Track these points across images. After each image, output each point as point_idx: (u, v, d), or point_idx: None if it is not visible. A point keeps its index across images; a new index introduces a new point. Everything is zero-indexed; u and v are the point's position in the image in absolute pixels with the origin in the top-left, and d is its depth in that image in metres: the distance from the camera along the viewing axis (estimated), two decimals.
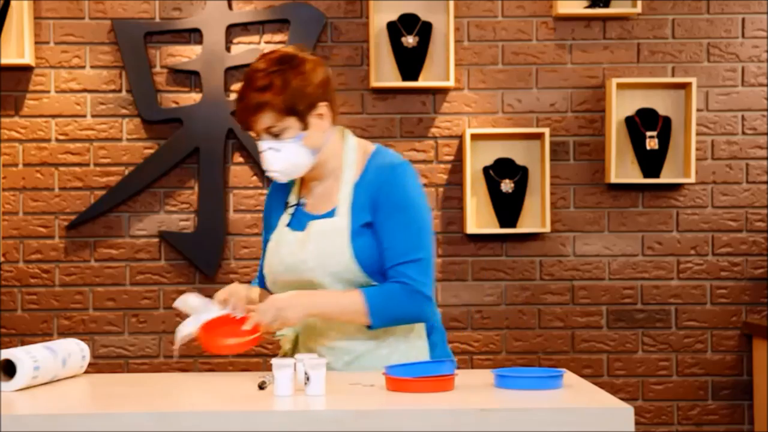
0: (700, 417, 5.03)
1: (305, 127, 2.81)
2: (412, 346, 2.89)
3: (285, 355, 2.95)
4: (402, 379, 2.43)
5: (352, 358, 2.85)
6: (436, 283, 2.98)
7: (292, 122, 2.80)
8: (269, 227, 3.00)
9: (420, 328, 2.92)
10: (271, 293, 2.93)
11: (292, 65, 2.81)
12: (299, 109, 2.79)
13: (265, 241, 3.00)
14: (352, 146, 2.91)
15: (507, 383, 2.49)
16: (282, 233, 2.91)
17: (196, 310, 2.86)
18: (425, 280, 2.81)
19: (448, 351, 3.01)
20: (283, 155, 2.81)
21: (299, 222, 2.90)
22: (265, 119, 2.78)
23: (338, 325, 2.84)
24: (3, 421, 2.18)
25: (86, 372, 2.83)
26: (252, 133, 2.86)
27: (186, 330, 2.86)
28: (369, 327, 2.80)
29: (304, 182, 2.96)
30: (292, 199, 2.96)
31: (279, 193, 3.01)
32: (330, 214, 2.86)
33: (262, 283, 3.03)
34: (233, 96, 4.96)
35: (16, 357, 2.51)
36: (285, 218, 2.94)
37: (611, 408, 2.24)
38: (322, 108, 2.84)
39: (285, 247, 2.88)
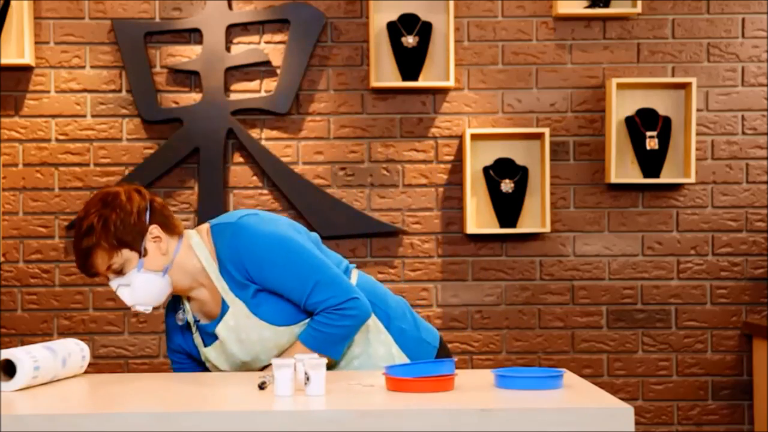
0: (700, 417, 5.03)
1: (142, 254, 2.85)
2: (376, 340, 2.93)
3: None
4: (402, 379, 2.43)
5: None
6: (348, 277, 2.95)
7: (127, 254, 2.84)
8: (179, 351, 3.05)
9: (374, 323, 2.94)
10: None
11: (107, 203, 2.84)
12: (127, 241, 2.83)
13: (175, 351, 3.06)
14: (198, 242, 2.90)
15: (507, 383, 2.49)
16: (207, 355, 2.96)
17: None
18: (333, 291, 2.83)
19: (422, 331, 3.02)
20: (136, 287, 2.86)
21: (209, 336, 2.94)
22: (99, 260, 2.83)
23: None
24: (3, 421, 2.18)
25: (86, 372, 2.83)
26: (97, 279, 2.92)
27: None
28: (335, 358, 2.87)
29: (188, 297, 2.97)
30: (189, 317, 2.99)
31: (171, 319, 3.05)
32: (224, 308, 2.89)
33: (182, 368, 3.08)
34: (233, 96, 4.97)
35: (16, 357, 2.51)
36: (198, 340, 2.98)
37: (611, 408, 2.24)
38: (155, 230, 2.86)
39: (222, 364, 2.94)
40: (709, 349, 5.05)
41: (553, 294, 5.02)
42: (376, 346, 2.93)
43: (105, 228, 2.81)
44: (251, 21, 4.97)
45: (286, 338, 2.86)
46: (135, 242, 2.83)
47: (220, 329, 2.88)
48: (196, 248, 2.89)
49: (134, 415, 2.22)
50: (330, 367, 2.87)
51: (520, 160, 4.99)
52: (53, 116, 4.96)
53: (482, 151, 4.98)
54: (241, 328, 2.86)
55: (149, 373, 4.82)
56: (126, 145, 4.98)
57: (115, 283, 2.86)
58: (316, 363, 2.41)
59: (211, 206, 4.94)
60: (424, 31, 4.94)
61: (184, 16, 4.98)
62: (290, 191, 4.95)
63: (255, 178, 4.98)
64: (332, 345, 2.84)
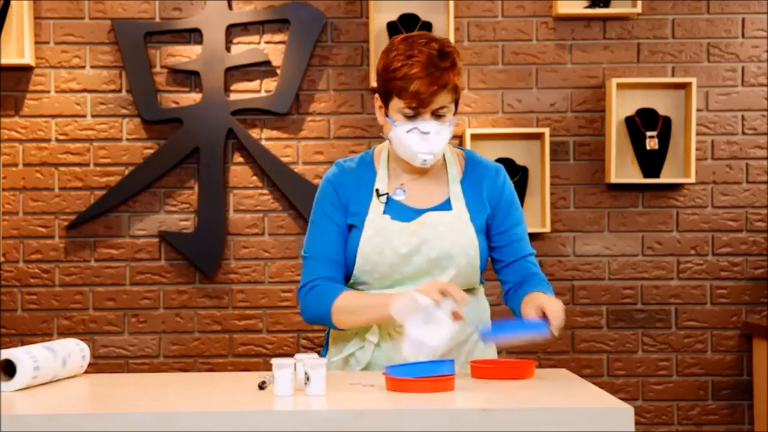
0: (700, 417, 5.03)
1: (455, 113, 2.84)
2: (486, 345, 2.95)
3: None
4: (402, 379, 2.43)
5: (450, 346, 2.77)
6: None
7: (453, 106, 2.81)
8: (348, 214, 2.88)
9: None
10: (346, 286, 2.89)
11: (457, 51, 2.80)
12: (459, 95, 2.82)
13: (332, 233, 2.87)
14: (447, 146, 2.91)
15: (493, 334, 2.53)
16: (383, 222, 2.84)
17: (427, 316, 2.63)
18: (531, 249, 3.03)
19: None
20: (443, 137, 2.79)
21: (400, 213, 2.85)
22: (442, 99, 2.75)
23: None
24: (3, 421, 2.18)
25: (86, 372, 2.83)
26: (399, 114, 2.76)
27: (437, 339, 2.61)
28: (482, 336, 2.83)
29: (394, 173, 2.90)
30: (382, 187, 2.88)
31: (353, 179, 2.91)
32: (445, 206, 2.86)
33: (338, 280, 2.89)
34: (233, 96, 4.96)
35: (16, 357, 2.51)
36: (378, 206, 2.86)
37: (611, 408, 2.24)
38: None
39: (395, 238, 2.82)
40: (709, 349, 5.05)
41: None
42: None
43: (459, 74, 2.78)
44: (251, 21, 4.97)
45: (465, 261, 2.85)
46: (459, 98, 2.83)
47: (432, 215, 2.83)
48: (446, 148, 2.92)
49: (134, 415, 2.22)
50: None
51: (520, 160, 4.99)
52: (53, 116, 4.96)
53: (482, 151, 4.98)
54: (454, 229, 2.82)
55: (149, 373, 4.82)
56: (126, 145, 4.98)
57: (428, 125, 2.75)
58: (316, 363, 2.41)
59: (211, 206, 4.94)
60: (424, 30, 4.93)
61: (184, 16, 4.98)
62: (290, 191, 4.95)
63: (255, 178, 4.98)
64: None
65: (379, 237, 2.82)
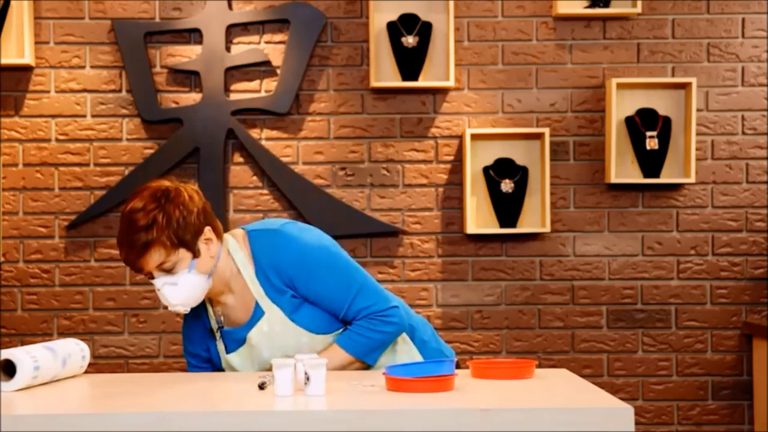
0: (700, 417, 5.03)
1: (196, 255, 2.81)
2: (401, 351, 2.95)
3: None
4: (402, 379, 2.43)
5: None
6: (386, 288, 2.98)
7: (182, 254, 2.79)
8: (198, 354, 3.02)
9: (403, 336, 2.97)
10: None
11: (169, 198, 2.80)
12: (187, 240, 2.79)
13: (194, 355, 3.03)
14: (234, 246, 2.90)
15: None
16: (231, 361, 2.94)
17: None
18: (375, 299, 2.86)
19: (441, 344, 3.06)
20: (181, 288, 2.81)
21: (234, 341, 2.92)
22: (155, 257, 2.77)
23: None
24: (3, 421, 2.18)
25: (86, 372, 2.83)
26: (141, 274, 2.84)
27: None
28: (370, 365, 2.87)
29: (213, 301, 2.95)
30: (213, 323, 2.96)
31: (193, 322, 3.01)
32: (258, 314, 2.88)
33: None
34: (233, 96, 4.96)
35: (16, 357, 2.51)
36: (220, 346, 2.95)
37: (611, 408, 2.24)
38: (208, 233, 2.84)
39: (247, 369, 2.92)
40: (709, 349, 5.05)
41: (553, 294, 5.02)
42: (401, 355, 2.95)
43: (168, 225, 2.76)
44: (251, 21, 4.96)
45: (322, 345, 2.87)
46: (192, 242, 2.79)
47: (253, 334, 2.87)
48: (233, 252, 2.88)
49: (134, 415, 2.22)
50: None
51: (520, 160, 4.99)
52: (53, 116, 4.96)
53: (482, 151, 4.98)
54: (276, 334, 2.86)
55: (149, 373, 4.82)
56: (126, 145, 4.98)
57: (160, 282, 2.80)
58: (316, 363, 2.41)
59: (211, 206, 4.93)
60: (424, 31, 4.94)
61: (184, 16, 4.98)
62: (290, 191, 4.95)
63: (255, 178, 4.98)
64: (372, 351, 2.86)
65: (236, 372, 2.92)
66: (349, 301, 2.84)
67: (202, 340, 3.00)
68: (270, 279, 2.85)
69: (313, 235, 2.90)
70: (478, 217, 5.00)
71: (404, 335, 2.97)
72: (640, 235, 5.03)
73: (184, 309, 2.85)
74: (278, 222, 2.92)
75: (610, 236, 5.03)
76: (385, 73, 4.98)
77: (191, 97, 4.97)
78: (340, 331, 2.89)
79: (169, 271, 2.79)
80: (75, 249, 4.96)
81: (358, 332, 2.84)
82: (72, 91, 4.96)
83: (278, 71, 4.96)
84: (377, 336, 2.84)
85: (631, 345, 5.03)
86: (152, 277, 2.81)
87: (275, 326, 2.85)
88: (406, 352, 2.96)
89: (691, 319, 5.04)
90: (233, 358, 2.93)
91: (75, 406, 2.45)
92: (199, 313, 2.98)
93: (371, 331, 2.84)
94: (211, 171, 4.94)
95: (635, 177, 5.00)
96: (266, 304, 2.86)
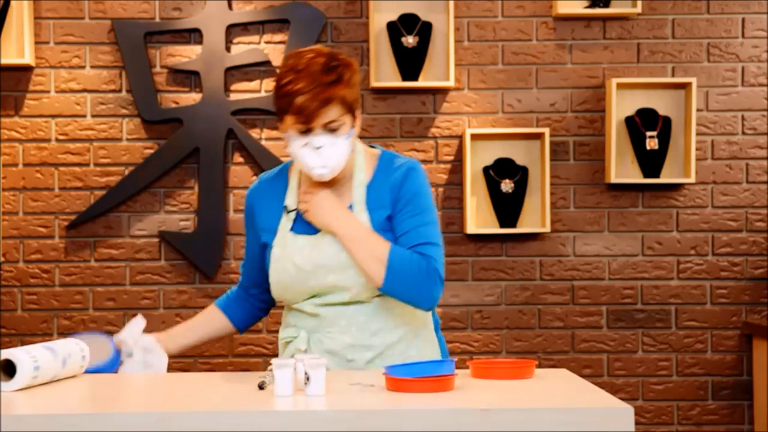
0: (700, 417, 5.03)
1: (353, 124, 2.81)
2: (425, 340, 2.92)
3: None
4: (402, 379, 2.43)
5: (374, 354, 2.85)
6: None
7: (348, 119, 2.78)
8: (260, 230, 2.93)
9: (430, 322, 2.95)
10: (273, 303, 3.04)
11: (347, 64, 2.80)
12: (355, 107, 2.80)
13: (254, 247, 2.96)
14: (360, 150, 2.90)
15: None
16: (288, 239, 2.87)
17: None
18: (442, 263, 2.83)
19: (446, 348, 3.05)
20: (338, 150, 2.77)
21: (306, 227, 2.87)
22: (332, 112, 2.75)
23: (359, 322, 2.84)
24: (3, 421, 2.18)
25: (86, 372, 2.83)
26: (291, 129, 2.77)
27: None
28: (379, 286, 2.79)
29: (304, 185, 2.91)
30: (291, 203, 2.91)
31: (266, 195, 2.95)
32: None
33: (248, 289, 3.04)
34: (233, 96, 4.96)
35: (16, 357, 2.51)
36: (286, 223, 2.89)
37: (611, 408, 2.24)
38: (359, 108, 2.86)
39: (297, 254, 2.84)
40: (709, 349, 5.05)
41: (553, 294, 5.02)
42: (425, 345, 2.92)
43: (348, 85, 2.75)
44: (251, 21, 4.97)
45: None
46: (356, 109, 2.80)
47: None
48: (357, 152, 2.88)
49: (134, 415, 2.22)
50: (382, 352, 2.84)
51: (520, 160, 4.99)
52: (53, 116, 4.96)
53: (482, 151, 4.98)
54: None
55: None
56: (126, 145, 4.98)
57: (321, 140, 2.74)
58: (316, 363, 2.41)
59: (211, 206, 4.94)
60: (424, 31, 4.94)
61: (184, 16, 4.98)
62: None
63: (255, 178, 4.98)
64: (400, 277, 2.77)
65: (284, 255, 2.85)
66: (424, 241, 2.81)
67: (273, 219, 2.92)
68: (379, 193, 2.83)
69: (429, 188, 2.92)
70: (478, 217, 5.00)
71: (431, 327, 2.95)
72: (640, 235, 5.03)
73: (328, 174, 2.79)
74: (413, 159, 2.93)
75: (610, 236, 5.03)
76: (385, 73, 4.98)
77: (191, 97, 4.97)
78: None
79: (333, 131, 2.77)
80: (75, 249, 4.96)
81: (411, 260, 2.77)
82: (72, 91, 4.96)
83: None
84: (417, 281, 2.77)
85: (631, 345, 5.03)
86: (305, 133, 2.76)
87: None
88: (431, 342, 2.93)
89: (691, 319, 5.04)
90: (295, 240, 2.84)
91: (75, 406, 2.45)
92: (274, 193, 2.93)
93: (421, 273, 2.77)
94: (211, 171, 4.94)
95: (635, 177, 5.00)
96: (360, 210, 2.83)
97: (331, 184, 2.87)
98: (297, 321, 2.91)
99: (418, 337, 2.91)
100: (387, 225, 2.84)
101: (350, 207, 2.84)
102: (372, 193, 2.85)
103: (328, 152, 2.76)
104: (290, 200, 2.91)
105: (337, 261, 2.81)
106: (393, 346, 2.87)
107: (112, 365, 2.89)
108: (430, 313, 2.96)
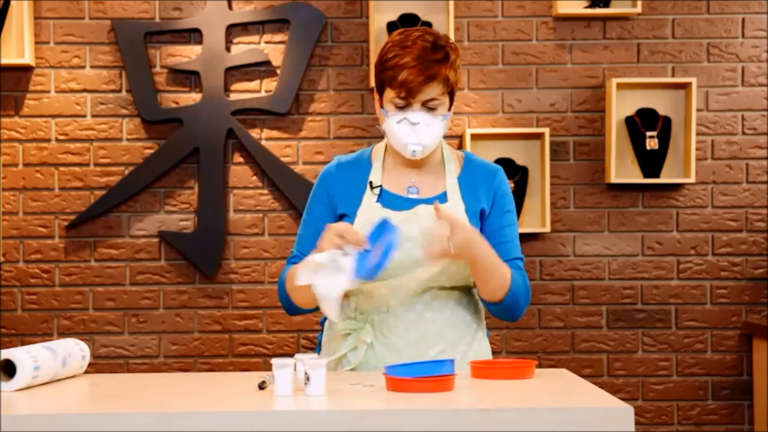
0: (700, 417, 5.03)
1: (449, 109, 2.83)
2: (480, 345, 2.91)
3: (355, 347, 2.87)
4: (402, 379, 2.43)
5: (444, 346, 2.82)
6: None
7: (446, 100, 2.80)
8: (337, 205, 2.88)
9: (483, 323, 2.95)
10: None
11: (453, 47, 2.81)
12: (454, 90, 2.82)
13: (322, 219, 2.86)
14: (445, 144, 2.93)
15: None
16: (374, 211, 2.83)
17: (327, 265, 2.61)
18: (522, 266, 2.89)
19: None
20: (433, 130, 2.78)
21: (394, 202, 2.84)
22: (435, 89, 2.76)
23: (426, 318, 2.82)
24: (3, 421, 2.18)
25: (86, 372, 2.83)
26: (390, 104, 2.76)
27: (336, 289, 2.59)
28: (496, 303, 2.80)
29: (389, 166, 2.90)
30: (375, 179, 2.88)
31: (345, 175, 2.91)
32: (440, 198, 2.84)
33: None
34: (233, 96, 4.96)
35: (16, 357, 2.51)
36: (371, 197, 2.86)
37: (611, 408, 2.24)
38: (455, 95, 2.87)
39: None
40: (709, 349, 5.05)
41: (553, 294, 5.02)
42: (480, 350, 2.91)
43: (453, 66, 2.78)
44: (251, 21, 4.97)
45: (445, 264, 2.80)
46: (454, 93, 2.82)
47: (428, 206, 2.79)
48: (443, 145, 2.90)
49: (134, 415, 2.22)
50: (449, 347, 2.82)
51: (520, 160, 4.99)
52: (53, 116, 4.96)
53: (482, 151, 4.98)
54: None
55: (149, 373, 4.82)
56: (126, 145, 4.98)
57: (418, 116, 2.76)
58: (316, 363, 2.41)
59: (211, 206, 4.94)
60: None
61: (184, 16, 4.98)
62: (290, 191, 4.95)
63: (255, 178, 4.98)
64: (515, 297, 2.80)
65: (369, 225, 2.74)
66: (518, 256, 2.86)
67: (351, 199, 2.88)
68: (472, 187, 2.86)
69: None
70: None
71: (484, 325, 2.96)
72: (640, 235, 5.03)
73: (422, 152, 2.79)
74: None
75: (610, 236, 5.03)
76: None
77: (191, 97, 4.97)
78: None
79: (431, 110, 2.78)
80: (75, 249, 4.96)
81: (524, 281, 2.83)
82: (72, 91, 4.96)
83: (278, 71, 4.97)
84: (523, 299, 2.83)
85: (631, 345, 5.03)
86: (402, 108, 2.76)
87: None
88: (484, 348, 2.92)
89: (691, 319, 5.04)
90: (383, 212, 2.80)
91: (75, 406, 2.45)
92: (355, 171, 2.91)
93: (525, 292, 2.84)
94: (211, 171, 4.94)
95: (635, 177, 5.00)
96: (455, 199, 2.83)
97: (420, 166, 2.87)
98: (363, 305, 2.86)
99: (476, 341, 2.90)
100: (478, 217, 2.85)
101: (443, 194, 2.85)
102: (464, 186, 2.87)
103: (423, 130, 2.77)
104: (374, 177, 2.89)
105: (424, 237, 2.75)
106: (454, 345, 2.85)
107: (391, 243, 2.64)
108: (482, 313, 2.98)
